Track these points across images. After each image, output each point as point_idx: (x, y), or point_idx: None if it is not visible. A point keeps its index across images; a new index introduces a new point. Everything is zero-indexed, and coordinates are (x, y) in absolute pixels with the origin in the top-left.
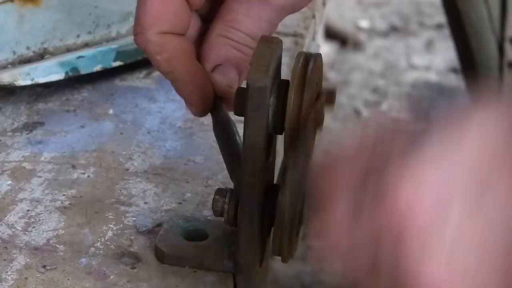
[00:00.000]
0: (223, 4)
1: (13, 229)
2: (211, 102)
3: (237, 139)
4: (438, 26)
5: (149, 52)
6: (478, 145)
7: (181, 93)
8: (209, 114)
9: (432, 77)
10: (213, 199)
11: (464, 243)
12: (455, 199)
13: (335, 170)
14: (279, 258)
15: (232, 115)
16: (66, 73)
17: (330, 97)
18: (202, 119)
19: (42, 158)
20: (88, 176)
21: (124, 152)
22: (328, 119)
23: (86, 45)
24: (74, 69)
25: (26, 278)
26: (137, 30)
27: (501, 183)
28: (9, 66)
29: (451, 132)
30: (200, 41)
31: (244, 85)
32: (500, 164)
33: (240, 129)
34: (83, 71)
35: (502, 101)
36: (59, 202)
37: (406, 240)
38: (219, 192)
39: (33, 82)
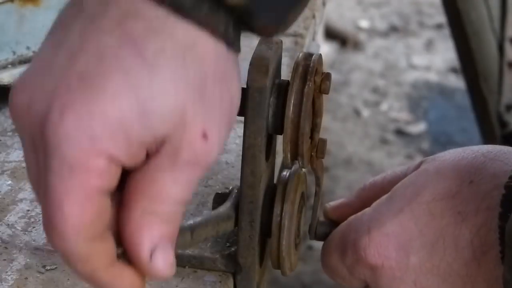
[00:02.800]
0: (137, 175)
1: (13, 229)
2: None
3: None
4: (438, 26)
5: (69, 262)
6: (431, 202)
7: None
8: None
9: (432, 77)
10: (212, 207)
11: (425, 275)
12: (414, 244)
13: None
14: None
15: None
16: None
17: (321, 147)
18: None
19: None
20: None
21: None
22: (328, 119)
23: None
24: None
25: (26, 278)
26: (54, 236)
27: (449, 231)
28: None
29: (409, 191)
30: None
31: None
32: (447, 217)
33: (240, 129)
34: None
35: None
36: None
37: (378, 278)
38: (217, 198)
39: None
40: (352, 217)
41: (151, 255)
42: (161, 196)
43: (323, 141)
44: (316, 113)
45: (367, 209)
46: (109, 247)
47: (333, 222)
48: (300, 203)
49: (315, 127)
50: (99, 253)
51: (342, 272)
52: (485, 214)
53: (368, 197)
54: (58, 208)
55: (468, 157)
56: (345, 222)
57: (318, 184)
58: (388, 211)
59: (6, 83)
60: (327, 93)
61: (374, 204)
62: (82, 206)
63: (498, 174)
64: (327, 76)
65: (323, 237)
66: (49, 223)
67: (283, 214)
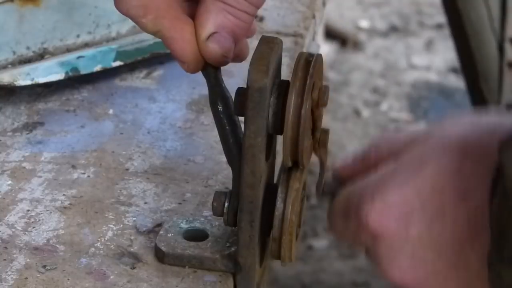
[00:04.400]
0: None
1: (13, 229)
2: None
3: (236, 119)
4: (438, 26)
5: (133, 17)
6: (433, 177)
7: (172, 50)
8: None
9: (432, 77)
10: (212, 205)
11: (423, 248)
12: (415, 216)
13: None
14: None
15: None
16: (66, 73)
17: (323, 139)
18: (202, 118)
19: (42, 158)
20: (88, 176)
21: (124, 152)
22: (328, 119)
23: (86, 45)
24: (74, 69)
25: (26, 278)
26: None
27: (449, 207)
28: (9, 66)
29: (414, 161)
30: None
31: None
32: (447, 193)
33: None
34: (83, 71)
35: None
36: (59, 202)
37: (377, 245)
38: (217, 197)
39: (33, 82)
40: (358, 181)
41: (208, 37)
42: None
43: (325, 132)
44: (316, 119)
45: (373, 175)
46: (169, 1)
47: (340, 183)
48: (302, 193)
49: (315, 128)
50: (156, 4)
51: (345, 233)
52: (482, 195)
53: (376, 158)
54: None
55: (475, 134)
56: (351, 185)
57: (322, 164)
58: (392, 181)
59: (6, 83)
60: (325, 105)
61: (380, 171)
62: None
63: (492, 158)
64: (325, 89)
65: (330, 196)
66: None
67: (287, 198)
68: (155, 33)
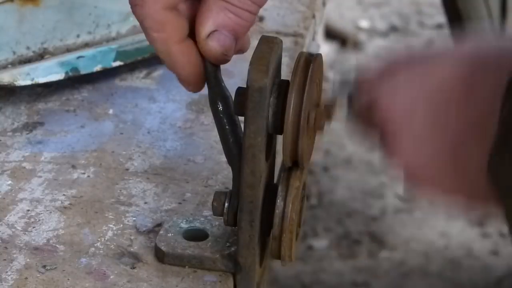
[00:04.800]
0: None
1: (13, 229)
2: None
3: (236, 118)
4: (438, 26)
5: (146, 27)
6: (444, 73)
7: (174, 72)
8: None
9: None
10: (212, 205)
11: (426, 135)
12: (420, 107)
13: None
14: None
15: None
16: (66, 73)
17: (328, 111)
18: (202, 118)
19: (42, 158)
20: (88, 176)
21: (124, 152)
22: None
23: (86, 45)
24: (74, 69)
25: (26, 278)
26: (137, 1)
27: (455, 99)
28: (9, 66)
29: (427, 63)
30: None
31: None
32: (456, 86)
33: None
34: (83, 71)
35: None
36: (59, 202)
37: (385, 131)
38: (217, 197)
39: (33, 82)
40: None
41: (209, 35)
42: None
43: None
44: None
45: (389, 71)
46: (181, 23)
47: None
48: (302, 192)
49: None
50: (172, 24)
51: (360, 123)
52: (490, 100)
53: (392, 69)
54: None
55: (486, 48)
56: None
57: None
58: (404, 78)
59: (6, 83)
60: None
61: (395, 67)
62: None
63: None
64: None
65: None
66: None
67: (287, 196)
68: (160, 52)
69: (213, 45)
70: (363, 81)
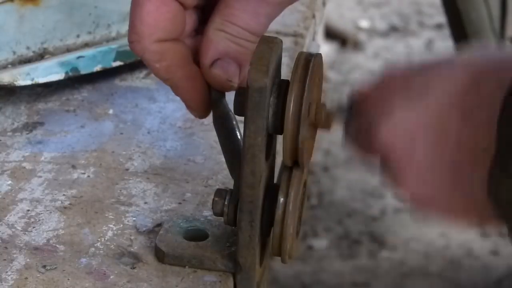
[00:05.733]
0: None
1: (13, 229)
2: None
3: (238, 134)
4: (438, 26)
5: (147, 60)
6: (440, 98)
7: (181, 98)
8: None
9: None
10: (213, 200)
11: (427, 167)
12: (420, 134)
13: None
14: (279, 258)
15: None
16: (66, 73)
17: (327, 119)
18: (202, 119)
19: (42, 158)
20: (88, 176)
21: (124, 152)
22: None
23: (86, 45)
24: (74, 69)
25: (26, 278)
26: (133, 38)
27: (453, 126)
28: (9, 66)
29: (422, 85)
30: (196, 34)
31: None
32: (453, 113)
33: (240, 129)
34: (83, 71)
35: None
36: (59, 202)
37: (387, 163)
38: (219, 193)
39: (33, 82)
40: (372, 103)
41: (212, 63)
42: (231, 18)
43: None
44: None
45: (384, 99)
46: (181, 48)
47: (356, 108)
48: (303, 190)
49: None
50: (171, 51)
51: (359, 149)
52: (489, 113)
53: (389, 85)
54: (138, 9)
55: (484, 60)
56: (365, 107)
57: None
58: (400, 103)
59: (6, 83)
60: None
61: (391, 95)
62: (158, 8)
63: (505, 78)
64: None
65: (346, 118)
66: (131, 27)
67: (288, 196)
68: (165, 80)
69: (217, 73)
70: (358, 103)
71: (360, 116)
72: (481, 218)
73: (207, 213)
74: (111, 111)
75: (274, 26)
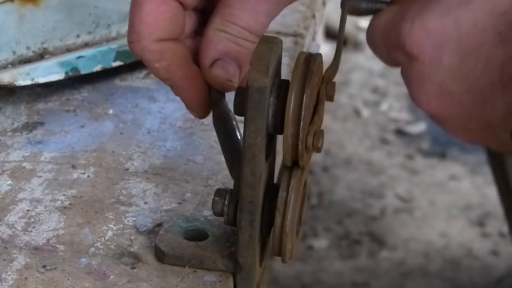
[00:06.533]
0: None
1: (13, 229)
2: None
3: (238, 134)
4: None
5: (146, 60)
6: (478, 12)
7: (181, 98)
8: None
9: None
10: (213, 200)
11: (452, 79)
12: (450, 48)
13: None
14: (279, 258)
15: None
16: (66, 73)
17: (329, 89)
18: (202, 119)
19: (42, 158)
20: (88, 176)
21: (124, 152)
22: (328, 119)
23: (86, 45)
24: (74, 69)
25: (26, 278)
26: (133, 38)
27: (485, 46)
28: (9, 66)
29: (458, 2)
30: (196, 35)
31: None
32: (487, 31)
33: (240, 129)
34: (83, 71)
35: None
36: (59, 202)
37: (410, 68)
38: (219, 193)
39: (33, 82)
40: (404, 3)
41: (212, 63)
42: (231, 18)
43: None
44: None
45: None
46: (180, 48)
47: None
48: (303, 190)
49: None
50: (171, 51)
51: (381, 49)
52: None
53: None
54: (138, 8)
55: None
56: (396, 5)
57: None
58: (435, 7)
59: (6, 83)
60: (332, 100)
61: None
62: (158, 7)
63: None
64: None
65: (371, 13)
66: (130, 26)
67: (288, 196)
68: (165, 80)
69: (217, 72)
70: None
71: (395, 6)
72: (498, 144)
73: (207, 213)
74: (111, 111)
75: (274, 26)
